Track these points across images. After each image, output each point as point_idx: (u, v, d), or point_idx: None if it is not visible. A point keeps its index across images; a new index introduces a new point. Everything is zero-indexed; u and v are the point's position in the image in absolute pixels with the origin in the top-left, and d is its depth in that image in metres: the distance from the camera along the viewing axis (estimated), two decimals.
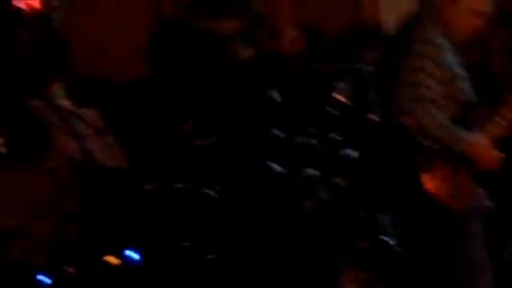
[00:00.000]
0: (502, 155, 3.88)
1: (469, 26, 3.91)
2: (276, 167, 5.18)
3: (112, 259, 4.80)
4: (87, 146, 4.24)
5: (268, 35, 6.31)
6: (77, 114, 4.17)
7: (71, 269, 4.72)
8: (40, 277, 4.70)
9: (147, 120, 5.36)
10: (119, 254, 4.83)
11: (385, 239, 4.79)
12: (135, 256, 4.81)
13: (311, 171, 5.12)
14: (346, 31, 6.31)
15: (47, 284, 4.71)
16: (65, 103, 4.64)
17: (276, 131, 5.27)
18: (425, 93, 3.71)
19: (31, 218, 4.98)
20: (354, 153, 5.28)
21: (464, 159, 3.86)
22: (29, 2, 5.21)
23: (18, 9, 5.15)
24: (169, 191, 5.03)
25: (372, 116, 4.95)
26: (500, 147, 3.93)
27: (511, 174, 4.43)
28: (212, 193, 5.05)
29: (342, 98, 5.25)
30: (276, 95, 5.41)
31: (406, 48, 3.83)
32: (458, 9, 3.86)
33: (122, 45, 6.00)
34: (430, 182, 3.85)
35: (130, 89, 5.68)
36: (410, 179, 3.87)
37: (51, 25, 5.54)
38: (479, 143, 3.84)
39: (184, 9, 6.01)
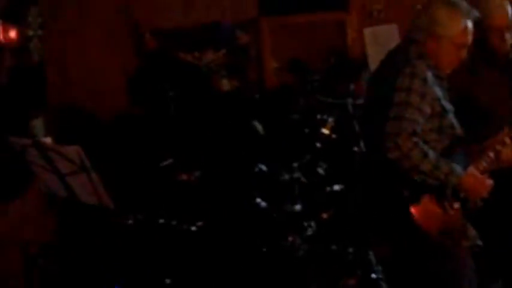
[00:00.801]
0: (492, 186, 3.93)
1: (453, 58, 3.94)
2: (261, 203, 5.15)
3: None
4: (71, 184, 4.16)
5: (251, 66, 6.32)
6: (59, 152, 4.07)
7: None
8: None
9: (130, 155, 5.33)
10: None
11: (373, 275, 4.76)
12: None
13: (297, 207, 5.09)
14: (332, 64, 6.37)
15: None
16: (47, 140, 4.60)
17: (260, 166, 5.24)
18: (412, 127, 3.72)
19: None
20: (340, 188, 5.30)
21: (454, 194, 3.89)
22: (5, 33, 5.15)
23: None
24: (151, 227, 4.95)
25: (359, 150, 4.92)
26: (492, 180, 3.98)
27: (499, 210, 4.46)
28: (195, 229, 4.98)
29: (327, 132, 5.25)
30: (259, 128, 5.39)
31: (391, 82, 3.85)
32: (441, 44, 3.90)
33: (106, 78, 5.98)
34: (420, 218, 3.86)
35: (114, 124, 5.64)
36: (399, 214, 3.88)
37: (29, 56, 5.49)
38: (471, 175, 3.86)
39: (166, 42, 5.99)
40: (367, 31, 6.60)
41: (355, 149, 4.85)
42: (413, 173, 3.78)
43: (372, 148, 4.14)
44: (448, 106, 3.97)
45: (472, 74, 4.63)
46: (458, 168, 3.83)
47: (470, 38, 3.95)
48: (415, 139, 3.71)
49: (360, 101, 4.95)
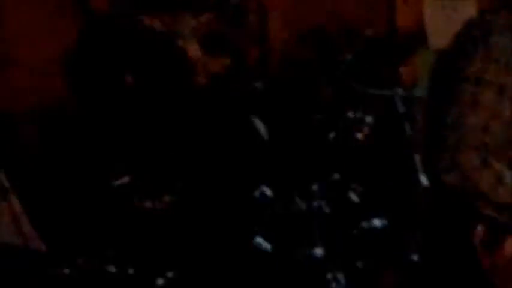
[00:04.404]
0: None
1: None
2: (263, 244, 5.21)
3: None
4: None
5: (249, 38, 6.32)
6: None
7: None
8: None
9: (67, 172, 5.37)
10: None
11: None
12: None
13: (316, 252, 5.11)
14: (371, 38, 6.41)
15: None
16: None
17: (263, 189, 5.28)
18: (480, 138, 3.65)
19: None
20: (382, 224, 5.32)
21: None
22: None
23: None
24: (98, 278, 5.04)
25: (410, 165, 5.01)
26: None
27: None
28: (162, 283, 5.06)
29: (364, 138, 5.25)
30: (262, 129, 5.45)
31: (458, 69, 3.82)
32: None
33: (29, 56, 5.99)
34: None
35: (41, 123, 5.66)
36: (465, 261, 3.90)
37: None
38: None
39: (123, 3, 6.00)
40: None
41: (406, 163, 4.88)
42: (484, 206, 3.75)
43: (429, 167, 4.13)
44: None
45: None
46: None
47: None
48: (483, 155, 3.74)
49: (416, 93, 4.95)
